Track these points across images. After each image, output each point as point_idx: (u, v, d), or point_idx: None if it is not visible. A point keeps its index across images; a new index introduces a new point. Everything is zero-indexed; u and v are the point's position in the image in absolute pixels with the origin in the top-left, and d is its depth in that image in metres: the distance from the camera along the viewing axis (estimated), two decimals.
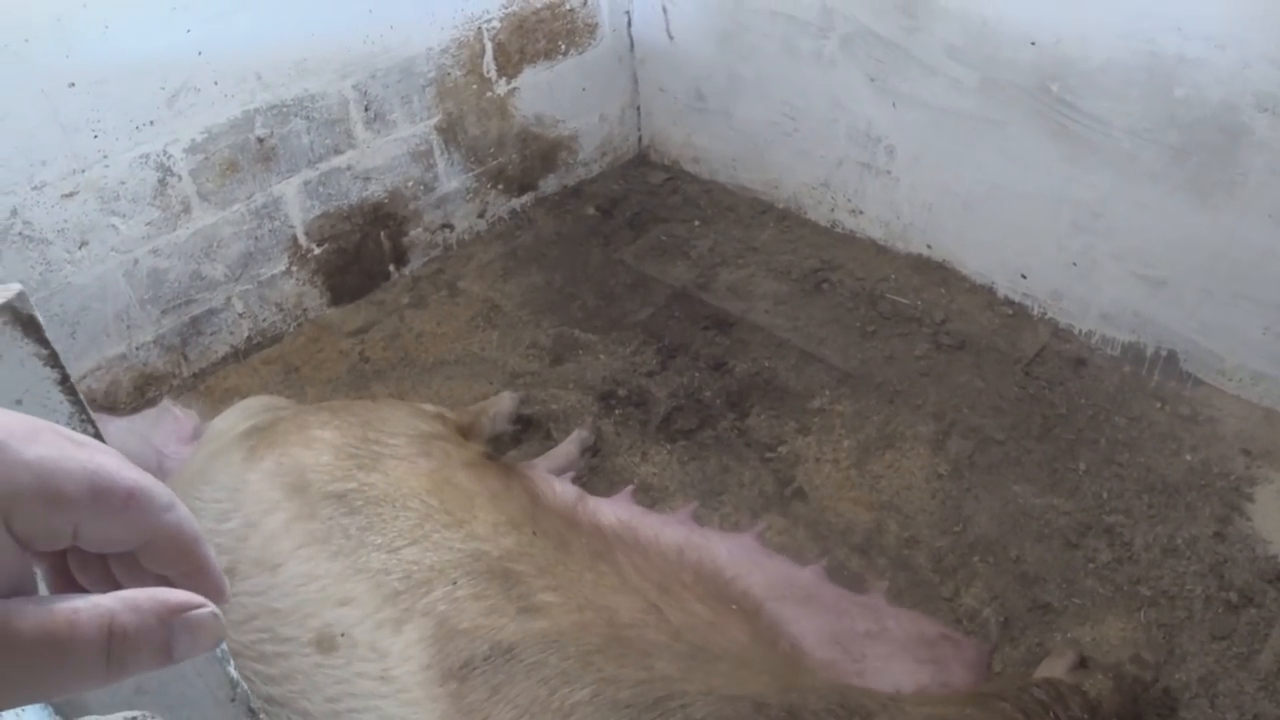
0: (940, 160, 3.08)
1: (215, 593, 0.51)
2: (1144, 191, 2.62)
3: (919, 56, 2.97)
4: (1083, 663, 2.10)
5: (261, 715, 0.97)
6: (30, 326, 0.77)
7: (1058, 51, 2.63)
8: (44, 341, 0.79)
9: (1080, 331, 2.95)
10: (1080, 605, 2.26)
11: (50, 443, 0.46)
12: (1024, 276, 3.03)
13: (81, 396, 0.82)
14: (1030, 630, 2.22)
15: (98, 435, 0.83)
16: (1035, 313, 3.04)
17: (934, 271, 3.23)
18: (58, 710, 0.80)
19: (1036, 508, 2.48)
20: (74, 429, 0.79)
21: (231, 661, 0.93)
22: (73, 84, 2.61)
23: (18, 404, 0.76)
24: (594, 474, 2.64)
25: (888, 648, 2.01)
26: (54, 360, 0.79)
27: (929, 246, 3.25)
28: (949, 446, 2.65)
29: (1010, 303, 3.08)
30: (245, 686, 0.95)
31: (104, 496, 0.47)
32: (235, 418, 2.38)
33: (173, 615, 0.46)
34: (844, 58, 3.18)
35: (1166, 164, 2.55)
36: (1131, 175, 2.62)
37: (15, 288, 0.77)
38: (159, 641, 0.46)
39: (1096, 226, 2.77)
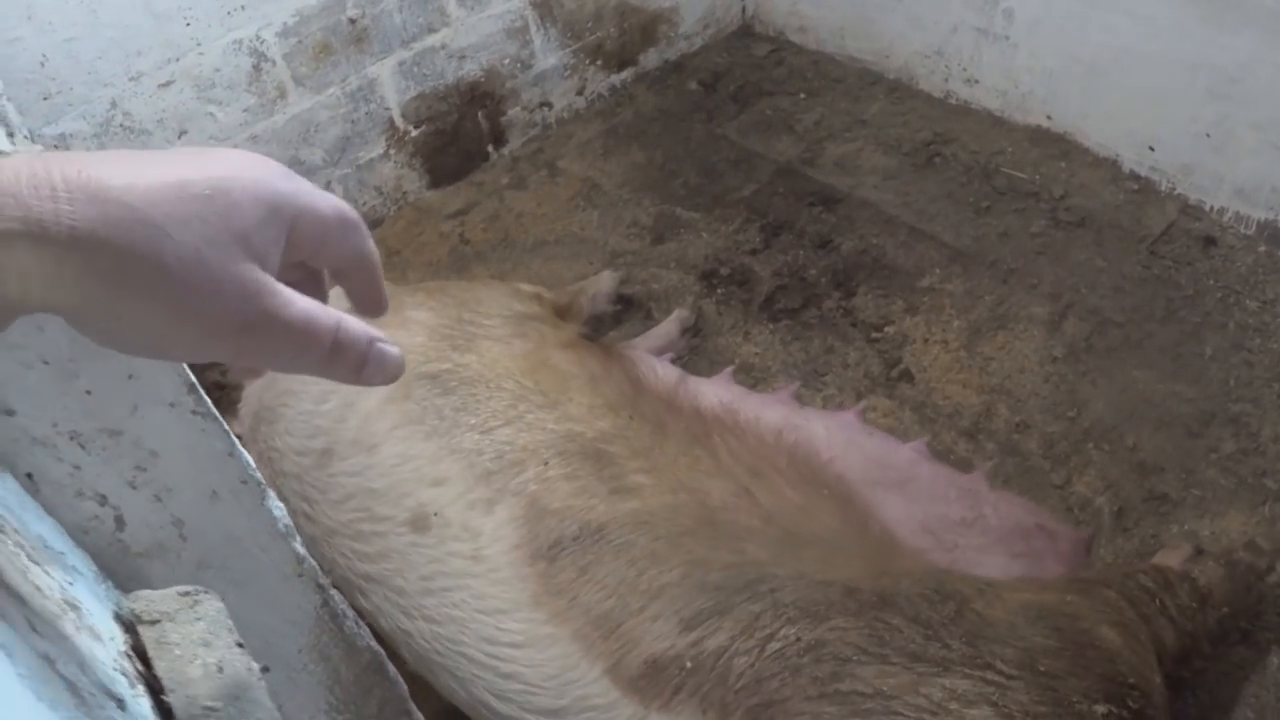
0: (1063, 23, 2.87)
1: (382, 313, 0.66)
2: None
3: None
4: (1199, 556, 2.02)
5: (331, 591, 0.97)
6: None
7: None
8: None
9: (1211, 208, 2.77)
10: (1200, 497, 2.17)
11: (308, 183, 0.59)
12: (1152, 149, 2.84)
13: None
14: (1145, 521, 2.13)
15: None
16: (1163, 188, 2.86)
17: (1054, 144, 3.05)
18: (117, 584, 0.80)
19: (1157, 394, 2.37)
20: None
21: (297, 538, 0.93)
22: None
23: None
24: (695, 354, 2.61)
25: (982, 538, 1.95)
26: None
27: (1049, 117, 3.07)
28: (1065, 328, 2.53)
29: (1136, 177, 2.90)
30: (313, 562, 0.95)
31: (346, 223, 0.60)
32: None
33: (374, 342, 0.59)
34: None
35: None
36: (1275, 36, 2.41)
37: None
38: (359, 357, 0.58)
39: (1234, 93, 2.56)
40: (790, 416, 2.22)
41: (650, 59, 3.75)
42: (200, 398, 0.80)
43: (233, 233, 0.52)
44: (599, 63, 3.61)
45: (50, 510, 0.77)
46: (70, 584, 0.69)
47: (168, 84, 2.73)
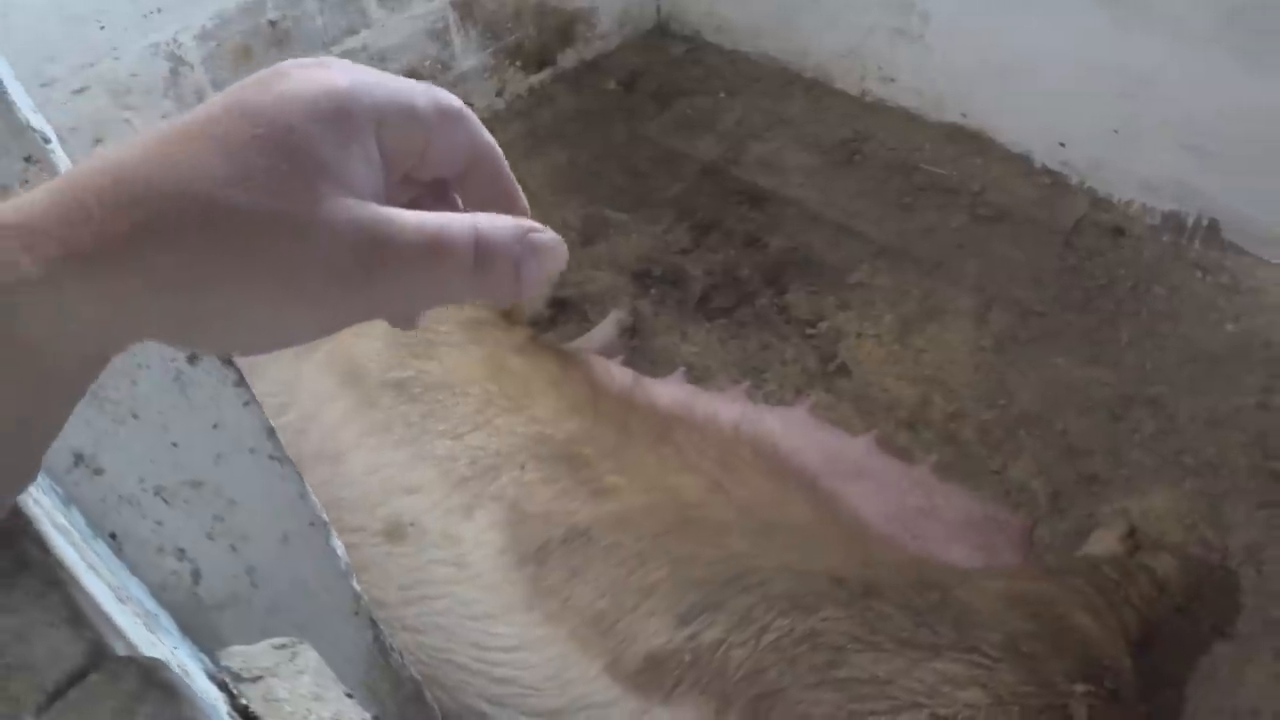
0: (977, 25, 2.98)
1: (524, 216, 0.53)
2: (1195, 56, 2.55)
3: None
4: (1132, 533, 2.12)
5: (381, 627, 0.97)
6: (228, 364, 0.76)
7: None
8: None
9: (1120, 200, 2.91)
10: (1127, 476, 2.28)
11: (383, 73, 0.48)
12: (1063, 145, 2.97)
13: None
14: (1079, 502, 2.24)
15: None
16: (1074, 182, 2.99)
17: (969, 141, 3.16)
18: (202, 648, 0.80)
19: (1080, 380, 2.48)
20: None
21: (354, 576, 0.93)
22: None
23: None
24: (635, 355, 2.63)
25: (942, 529, 2.03)
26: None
27: (964, 115, 3.18)
28: (991, 319, 2.64)
29: (1048, 172, 3.03)
30: (366, 599, 0.95)
31: (446, 112, 0.49)
32: None
33: (525, 233, 0.48)
34: None
35: (1219, 27, 2.47)
36: (1183, 39, 2.55)
37: None
38: (515, 255, 0.47)
39: (1142, 93, 2.70)
40: (745, 412, 2.26)
41: (568, 59, 3.76)
42: (277, 441, 0.79)
43: (303, 170, 0.43)
44: (518, 63, 3.61)
45: (134, 570, 0.76)
46: (176, 649, 0.68)
47: (82, 90, 2.64)
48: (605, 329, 2.66)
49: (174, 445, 0.73)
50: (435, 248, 0.45)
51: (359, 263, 0.43)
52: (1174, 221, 2.81)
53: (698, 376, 2.55)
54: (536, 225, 0.49)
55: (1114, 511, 2.20)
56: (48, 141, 0.65)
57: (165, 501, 0.75)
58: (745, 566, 1.53)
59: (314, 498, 0.84)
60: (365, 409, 1.83)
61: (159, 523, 0.75)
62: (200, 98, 2.86)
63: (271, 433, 0.78)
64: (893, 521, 1.92)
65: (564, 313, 2.79)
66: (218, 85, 2.89)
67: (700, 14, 3.78)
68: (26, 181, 0.68)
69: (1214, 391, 2.42)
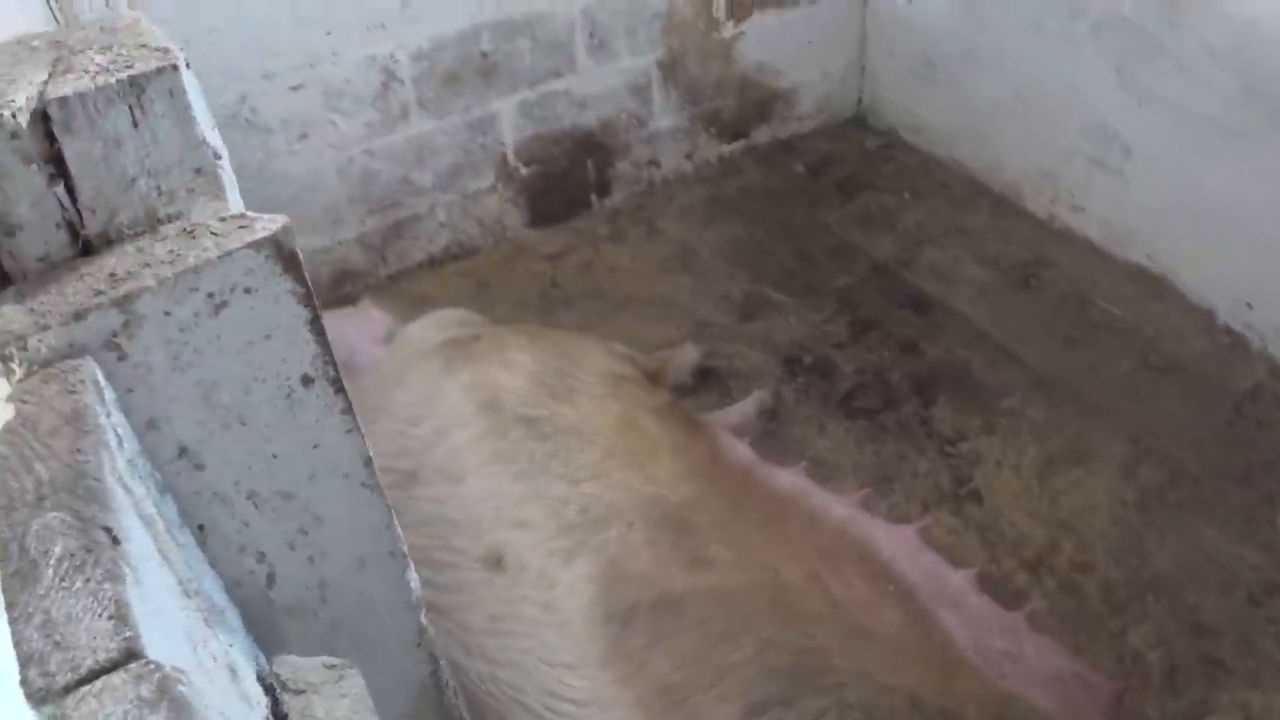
0: (1179, 167, 2.90)
1: None
2: None
3: (1175, 53, 2.79)
4: None
5: (442, 661, 1.01)
6: (291, 262, 0.80)
7: None
8: (302, 280, 0.82)
9: None
10: (1254, 668, 2.15)
11: None
12: (1249, 305, 2.84)
13: (327, 335, 0.86)
14: (1196, 684, 2.12)
15: (337, 377, 0.87)
16: (1255, 345, 2.85)
17: (1152, 284, 3.06)
18: (261, 646, 0.85)
19: (1224, 556, 2.36)
20: (316, 368, 0.83)
21: (424, 609, 0.98)
22: None
23: (267, 338, 0.80)
24: (768, 439, 2.63)
25: (1026, 675, 1.96)
26: (308, 299, 0.83)
27: (1149, 257, 3.08)
28: (1140, 473, 2.53)
29: (1230, 331, 2.90)
30: (432, 633, 0.99)
31: None
32: (430, 328, 2.46)
33: None
34: (1092, 43, 3.02)
35: None
36: None
37: (281, 220, 0.80)
38: None
39: None
40: (856, 516, 2.25)
41: (762, 135, 3.81)
42: (373, 471, 0.85)
43: None
44: (713, 130, 3.68)
45: (213, 563, 0.82)
46: (231, 646, 0.73)
47: (298, 87, 2.83)
48: (745, 407, 2.68)
49: (273, 457, 0.79)
50: None
51: None
52: None
53: (826, 474, 2.53)
54: None
55: (1233, 703, 2.08)
56: (218, 158, 0.71)
57: (255, 506, 0.81)
58: (827, 664, 1.52)
59: (399, 530, 0.89)
60: (494, 438, 1.89)
61: (245, 524, 0.81)
62: (405, 113, 3.04)
63: (368, 462, 0.84)
64: (978, 655, 1.87)
65: (707, 383, 2.82)
66: (423, 104, 3.05)
67: (899, 111, 3.78)
68: (192, 190, 0.75)
69: None
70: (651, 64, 3.43)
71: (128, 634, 0.52)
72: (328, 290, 3.19)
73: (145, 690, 0.49)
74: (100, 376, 0.69)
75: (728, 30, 3.52)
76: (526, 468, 1.86)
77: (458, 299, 3.12)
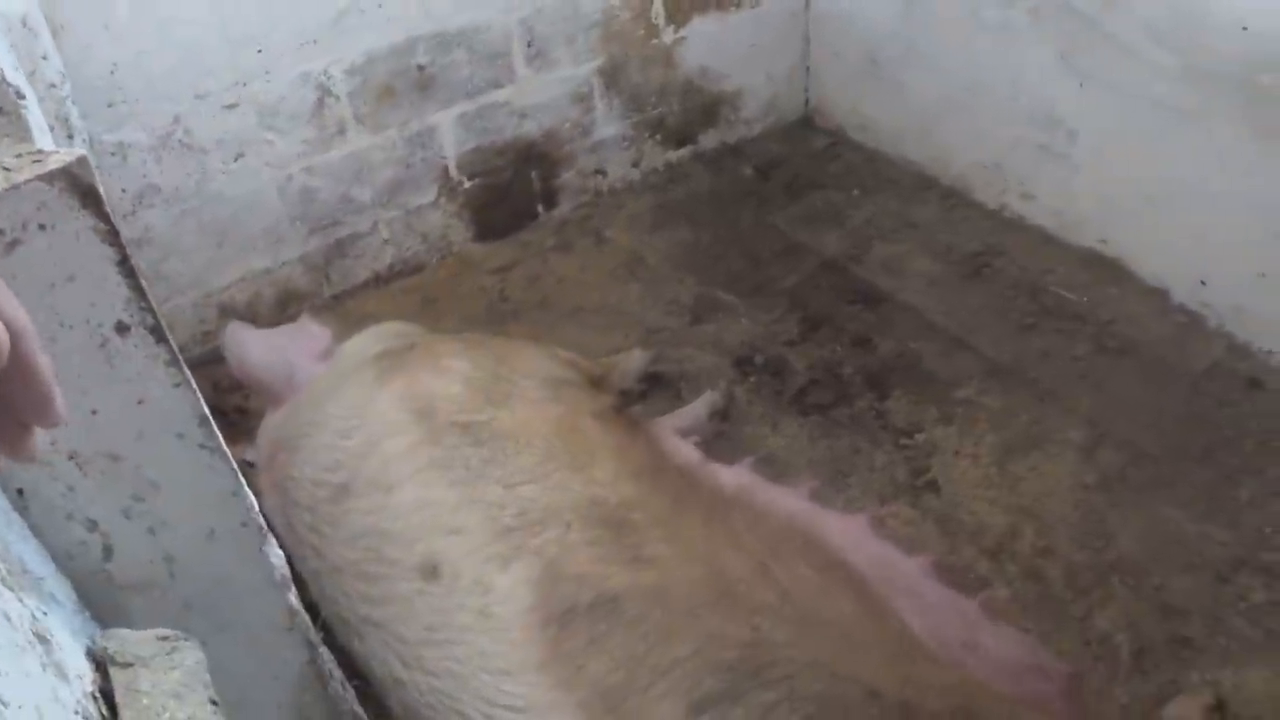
0: (1126, 150, 2.87)
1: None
2: None
3: (1116, 35, 2.77)
4: (1219, 707, 1.94)
5: (321, 649, 0.94)
6: (90, 197, 0.73)
7: (1274, 39, 2.40)
8: (104, 216, 0.74)
9: (1259, 349, 2.72)
10: (1224, 646, 2.09)
11: None
12: (1204, 284, 2.81)
13: (142, 281, 0.78)
14: (1165, 665, 2.06)
15: (157, 325, 0.79)
16: (1211, 323, 2.82)
17: (1105, 268, 3.02)
18: (95, 615, 0.77)
19: (1188, 534, 2.30)
20: (131, 315, 0.76)
21: (292, 589, 0.90)
22: None
23: (70, 280, 0.72)
24: (720, 440, 2.57)
25: (984, 666, 1.89)
26: (113, 237, 0.75)
27: (1102, 241, 3.05)
28: (1099, 456, 2.48)
29: (1185, 310, 2.86)
30: (306, 617, 0.92)
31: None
32: (368, 340, 2.39)
33: None
34: (1032, 30, 2.99)
35: None
36: None
37: (77, 152, 0.73)
38: None
39: None
40: (805, 508, 2.19)
41: (709, 140, 3.77)
42: (211, 431, 0.77)
43: None
44: (658, 137, 3.64)
45: (37, 531, 0.74)
46: (44, 613, 0.66)
47: (232, 106, 2.77)
48: (695, 409, 2.62)
49: (93, 413, 0.72)
50: None
51: None
52: None
53: (780, 471, 2.46)
54: None
55: (1204, 682, 2.02)
56: (21, 98, 0.65)
57: (79, 469, 0.73)
58: (775, 656, 1.46)
59: (251, 498, 0.82)
60: (428, 445, 1.83)
61: (70, 487, 0.74)
62: (341, 129, 2.98)
63: (205, 421, 0.76)
64: (936, 644, 1.80)
65: (658, 387, 2.77)
66: (359, 119, 2.99)
67: (845, 110, 3.75)
68: None
69: None
70: (592, 72, 3.38)
71: None
72: (273, 312, 3.12)
73: None
74: None
75: (668, 35, 3.48)
76: (462, 474, 1.79)
77: (404, 316, 3.04)
